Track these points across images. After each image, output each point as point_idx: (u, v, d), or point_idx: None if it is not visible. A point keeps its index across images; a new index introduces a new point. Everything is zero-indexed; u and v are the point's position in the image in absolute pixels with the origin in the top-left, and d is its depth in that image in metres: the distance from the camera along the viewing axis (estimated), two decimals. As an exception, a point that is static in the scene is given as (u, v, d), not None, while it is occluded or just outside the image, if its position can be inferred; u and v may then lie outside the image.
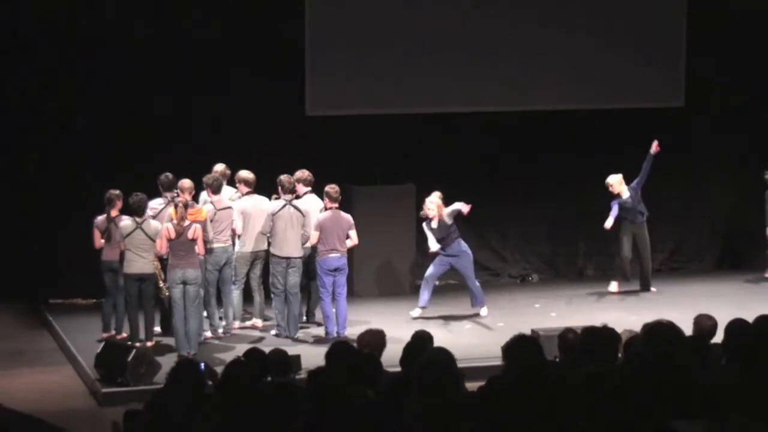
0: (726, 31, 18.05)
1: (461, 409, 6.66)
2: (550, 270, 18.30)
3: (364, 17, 16.84)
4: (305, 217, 14.35)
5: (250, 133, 16.40)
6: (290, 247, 14.34)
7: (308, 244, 14.51)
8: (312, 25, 16.62)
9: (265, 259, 14.75)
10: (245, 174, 14.68)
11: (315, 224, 14.34)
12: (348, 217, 14.53)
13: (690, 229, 18.74)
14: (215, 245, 14.21)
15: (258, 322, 14.96)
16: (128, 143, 16.10)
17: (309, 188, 14.75)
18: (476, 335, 14.67)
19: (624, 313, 15.18)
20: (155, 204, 14.31)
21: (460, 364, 7.19)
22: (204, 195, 14.55)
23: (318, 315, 15.04)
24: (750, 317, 8.20)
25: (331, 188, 14.47)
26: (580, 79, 17.54)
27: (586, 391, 6.55)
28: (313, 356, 11.05)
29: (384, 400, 7.37)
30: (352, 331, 13.52)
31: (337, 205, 14.45)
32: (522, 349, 7.20)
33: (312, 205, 14.65)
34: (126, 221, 13.82)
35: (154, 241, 13.65)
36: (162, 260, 13.76)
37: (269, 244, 14.55)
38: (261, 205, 14.59)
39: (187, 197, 13.98)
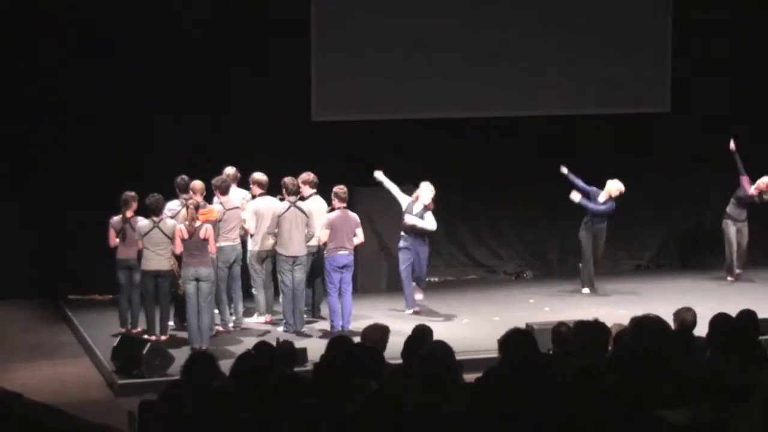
0: (708, 36, 18.12)
1: (459, 399, 6.69)
2: (543, 267, 18.33)
3: (368, 25, 16.86)
4: (309, 217, 14.39)
5: (255, 136, 16.41)
6: (295, 246, 14.37)
7: (313, 242, 14.55)
8: (318, 32, 16.64)
9: (275, 257, 14.79)
10: (259, 176, 14.72)
11: (325, 223, 14.37)
12: (355, 216, 14.58)
13: (675, 228, 18.78)
14: (225, 243, 14.24)
15: (267, 317, 15.01)
16: (141, 146, 16.13)
17: (314, 190, 14.79)
18: (474, 329, 14.68)
19: (613, 307, 15.18)
20: (173, 205, 14.35)
21: (458, 357, 7.22)
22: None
23: (323, 310, 15.07)
24: (732, 311, 8.25)
25: (340, 189, 14.52)
26: (574, 84, 17.61)
27: (578, 382, 6.58)
28: (318, 350, 11.01)
29: (386, 391, 7.39)
30: (357, 326, 13.56)
31: (345, 204, 14.50)
32: (517, 342, 7.22)
33: (315, 206, 14.68)
34: (144, 221, 13.86)
35: (170, 239, 13.69)
36: (179, 258, 13.80)
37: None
38: (273, 206, 14.62)
39: (199, 198, 14.00)
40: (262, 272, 14.83)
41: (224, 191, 14.39)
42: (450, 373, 6.91)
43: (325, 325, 14.74)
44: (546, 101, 17.54)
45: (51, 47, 16.00)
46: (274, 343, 9.80)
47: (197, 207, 13.62)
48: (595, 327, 8.07)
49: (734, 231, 17.10)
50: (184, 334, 13.90)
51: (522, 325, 10.91)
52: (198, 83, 16.36)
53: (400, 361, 8.53)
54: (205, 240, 13.46)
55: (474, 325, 14.95)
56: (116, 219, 14.18)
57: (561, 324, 9.35)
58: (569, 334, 8.70)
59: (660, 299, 15.51)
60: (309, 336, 14.25)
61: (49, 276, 16.27)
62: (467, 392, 6.95)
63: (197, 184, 14.24)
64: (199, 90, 16.33)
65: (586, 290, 16.61)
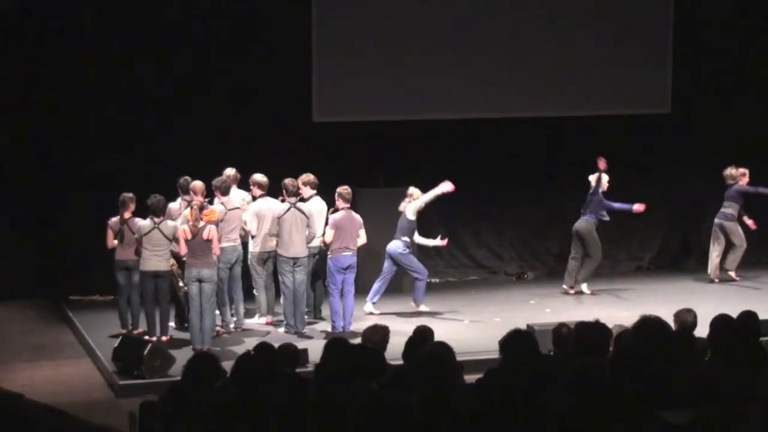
0: (709, 36, 18.13)
1: (460, 399, 6.68)
2: (544, 268, 18.34)
3: (369, 26, 16.86)
4: (309, 218, 14.38)
5: (256, 137, 16.41)
6: (296, 247, 14.36)
7: (315, 243, 14.55)
8: (319, 33, 16.65)
9: (276, 258, 14.79)
10: (259, 177, 14.72)
11: (330, 223, 14.39)
12: (359, 217, 14.60)
13: (675, 230, 18.78)
14: (226, 244, 14.23)
15: (268, 318, 15.01)
16: (142, 146, 16.13)
17: (314, 191, 14.79)
18: (475, 330, 14.68)
19: (614, 309, 15.20)
20: (176, 206, 14.36)
21: (459, 358, 7.21)
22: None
23: (324, 311, 15.07)
24: (733, 312, 8.25)
25: (344, 189, 14.53)
26: (574, 85, 17.61)
27: (578, 383, 6.57)
28: (320, 350, 11.05)
29: (387, 391, 7.39)
30: (358, 326, 13.55)
31: (349, 205, 14.51)
32: (518, 343, 7.22)
33: (316, 207, 14.68)
34: (145, 221, 13.86)
35: (170, 240, 13.68)
36: (179, 260, 13.79)
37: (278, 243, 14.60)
38: (274, 207, 14.62)
39: (200, 199, 14.00)
40: (263, 273, 14.83)
41: (225, 192, 14.39)
42: (451, 374, 6.90)
43: (326, 326, 14.73)
44: (546, 101, 17.54)
45: (50, 47, 16.00)
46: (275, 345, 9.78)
47: (201, 208, 13.62)
48: (596, 328, 8.06)
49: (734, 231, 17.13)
50: (184, 335, 13.89)
51: (523, 326, 10.90)
52: (198, 83, 16.36)
53: (401, 361, 8.53)
54: (209, 241, 13.45)
55: (475, 326, 14.94)
56: (114, 220, 14.18)
57: (562, 325, 9.34)
58: (570, 335, 8.68)
59: (660, 300, 15.51)
60: (310, 337, 14.24)
61: (50, 277, 16.28)
62: (468, 393, 6.95)
63: (197, 184, 14.23)
64: (199, 90, 16.33)
65: (585, 288, 16.60)
